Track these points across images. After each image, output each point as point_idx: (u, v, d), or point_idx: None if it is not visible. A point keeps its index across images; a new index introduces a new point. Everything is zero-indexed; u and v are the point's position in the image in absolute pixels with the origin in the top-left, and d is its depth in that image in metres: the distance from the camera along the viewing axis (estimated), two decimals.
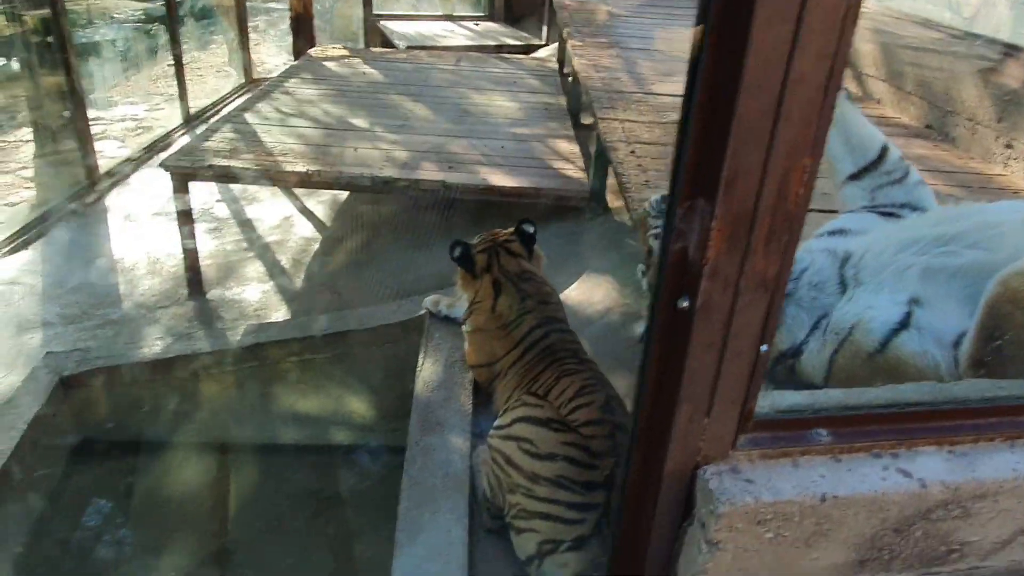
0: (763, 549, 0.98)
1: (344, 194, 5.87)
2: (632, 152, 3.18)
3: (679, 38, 6.25)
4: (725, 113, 0.71)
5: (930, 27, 4.87)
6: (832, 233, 1.76)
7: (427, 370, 3.15)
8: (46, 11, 5.27)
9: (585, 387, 2.60)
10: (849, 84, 4.84)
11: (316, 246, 5.09)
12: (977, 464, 1.01)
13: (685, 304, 0.84)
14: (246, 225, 5.50)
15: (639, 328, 1.72)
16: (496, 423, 2.57)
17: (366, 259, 4.81)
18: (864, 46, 4.62)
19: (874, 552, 1.02)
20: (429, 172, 4.31)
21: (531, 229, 3.14)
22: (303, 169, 4.21)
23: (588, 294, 3.71)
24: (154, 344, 3.90)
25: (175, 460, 3.88)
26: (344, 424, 3.97)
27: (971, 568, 1.09)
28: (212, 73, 9.74)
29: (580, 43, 5.54)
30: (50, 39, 5.38)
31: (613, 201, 4.51)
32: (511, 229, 3.18)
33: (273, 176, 4.30)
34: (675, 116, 3.46)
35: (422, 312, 3.67)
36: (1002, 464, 1.03)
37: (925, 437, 1.01)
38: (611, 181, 4.51)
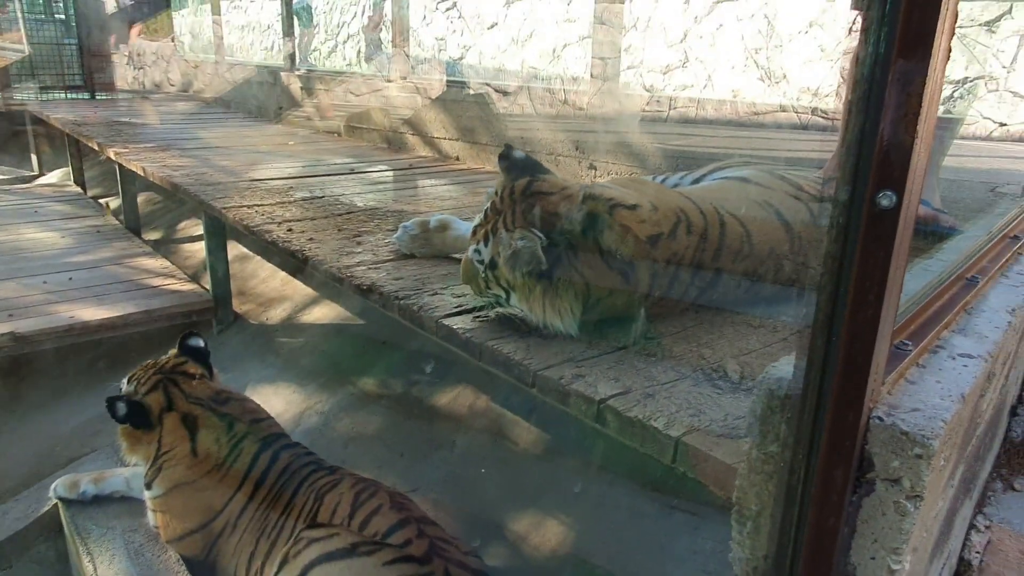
0: (935, 483, 0.84)
1: None
2: (290, 230, 2.80)
3: (232, 135, 5.89)
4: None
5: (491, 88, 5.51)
6: None
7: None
8: None
9: (359, 493, 2.15)
10: (422, 150, 5.15)
11: None
12: None
13: (889, 201, 0.68)
14: None
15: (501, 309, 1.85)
16: None
17: None
18: (428, 113, 4.98)
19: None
20: None
21: (200, 342, 2.53)
22: None
23: (267, 407, 3.12)
24: None
25: None
26: None
27: None
28: None
29: (126, 150, 4.77)
30: None
31: (239, 306, 3.94)
32: (172, 352, 2.51)
33: None
34: (301, 195, 3.16)
35: (50, 505, 2.62)
36: None
37: None
38: (235, 284, 3.95)
